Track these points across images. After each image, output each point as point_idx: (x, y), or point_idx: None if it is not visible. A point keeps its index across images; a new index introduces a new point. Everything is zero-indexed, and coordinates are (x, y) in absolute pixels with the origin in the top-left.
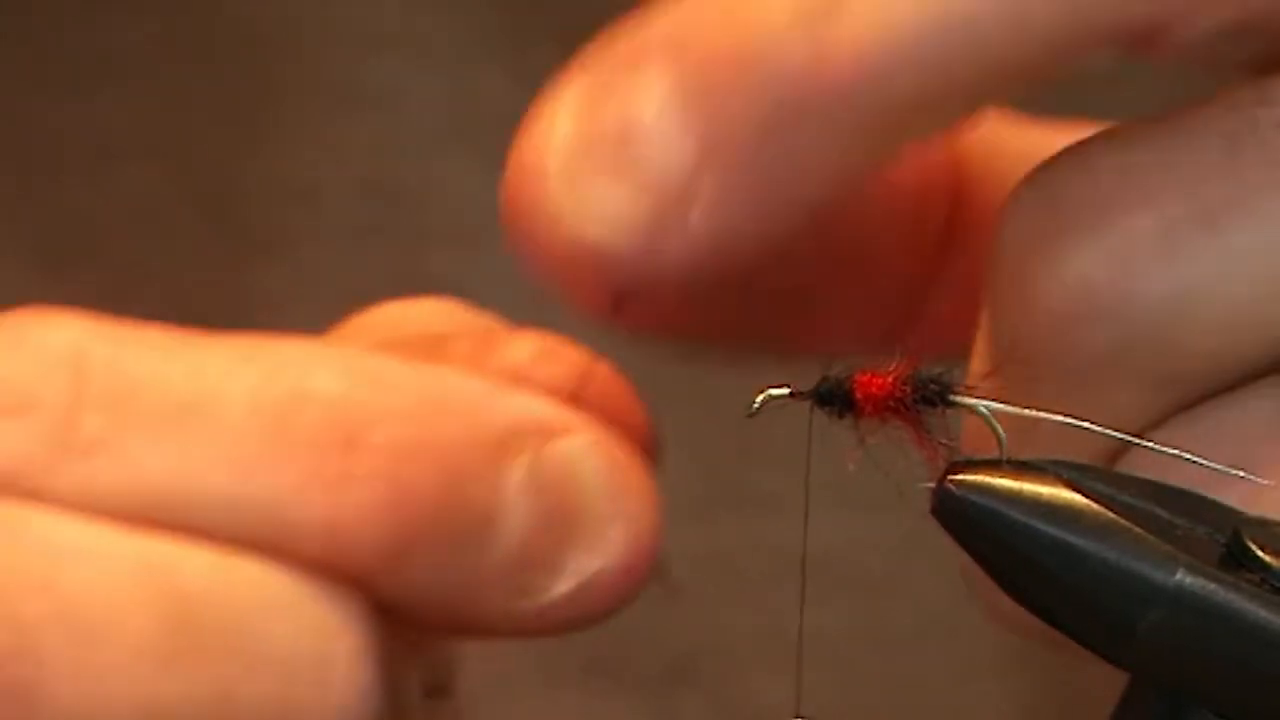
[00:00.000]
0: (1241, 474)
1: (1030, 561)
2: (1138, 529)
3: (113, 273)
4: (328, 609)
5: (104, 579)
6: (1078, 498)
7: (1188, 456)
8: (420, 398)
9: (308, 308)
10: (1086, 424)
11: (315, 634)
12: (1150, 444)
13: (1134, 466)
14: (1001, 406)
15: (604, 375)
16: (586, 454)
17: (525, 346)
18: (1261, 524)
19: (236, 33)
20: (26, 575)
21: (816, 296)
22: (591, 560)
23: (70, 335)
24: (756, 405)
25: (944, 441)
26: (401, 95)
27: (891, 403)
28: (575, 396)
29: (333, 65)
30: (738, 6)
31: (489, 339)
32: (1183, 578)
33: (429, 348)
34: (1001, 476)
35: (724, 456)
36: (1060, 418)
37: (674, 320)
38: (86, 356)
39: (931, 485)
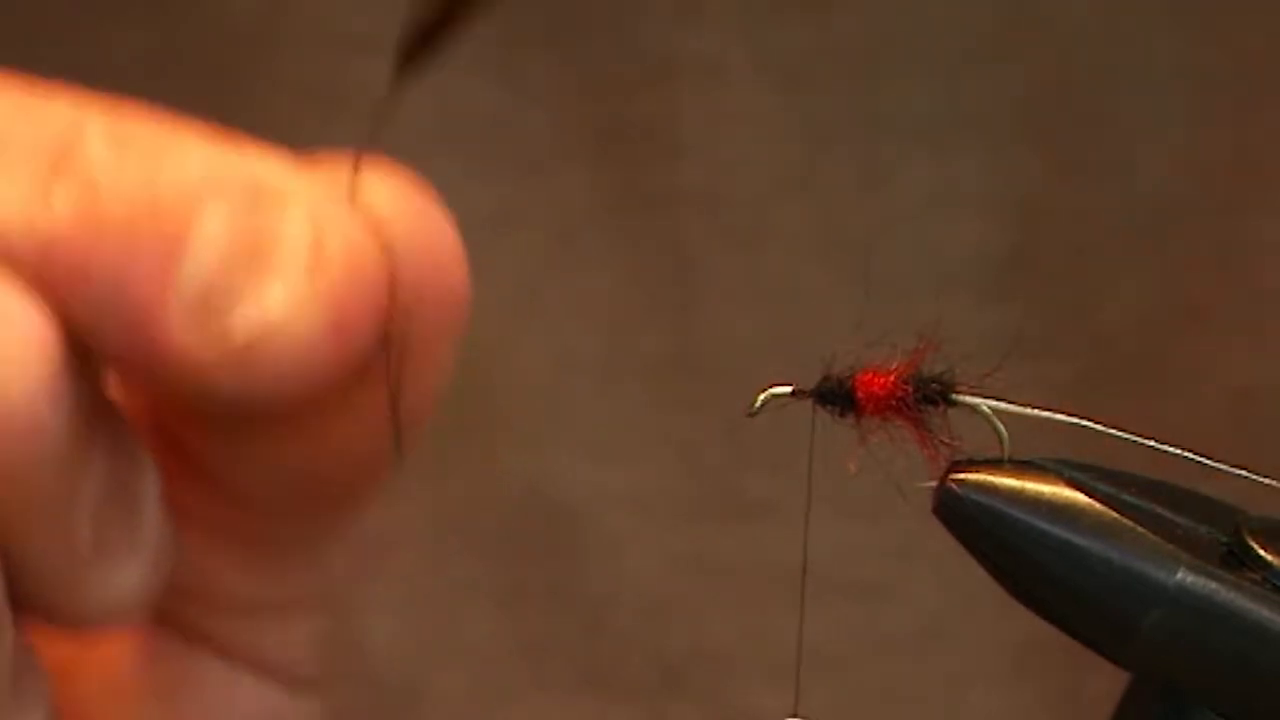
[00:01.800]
0: (1245, 473)
1: (1032, 561)
2: (1140, 528)
3: None
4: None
5: None
6: (1080, 497)
7: (1190, 456)
8: (145, 136)
9: None
10: (1088, 423)
11: None
12: (1153, 443)
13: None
14: (1004, 405)
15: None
16: (298, 217)
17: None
18: (1263, 523)
19: (220, 38)
20: None
21: None
22: (273, 310)
23: None
24: (758, 404)
25: (946, 440)
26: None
27: (893, 401)
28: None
29: (317, 70)
30: None
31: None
32: (1184, 577)
33: None
34: (1003, 475)
35: (716, 462)
36: (1062, 417)
37: None
38: None
39: (933, 484)
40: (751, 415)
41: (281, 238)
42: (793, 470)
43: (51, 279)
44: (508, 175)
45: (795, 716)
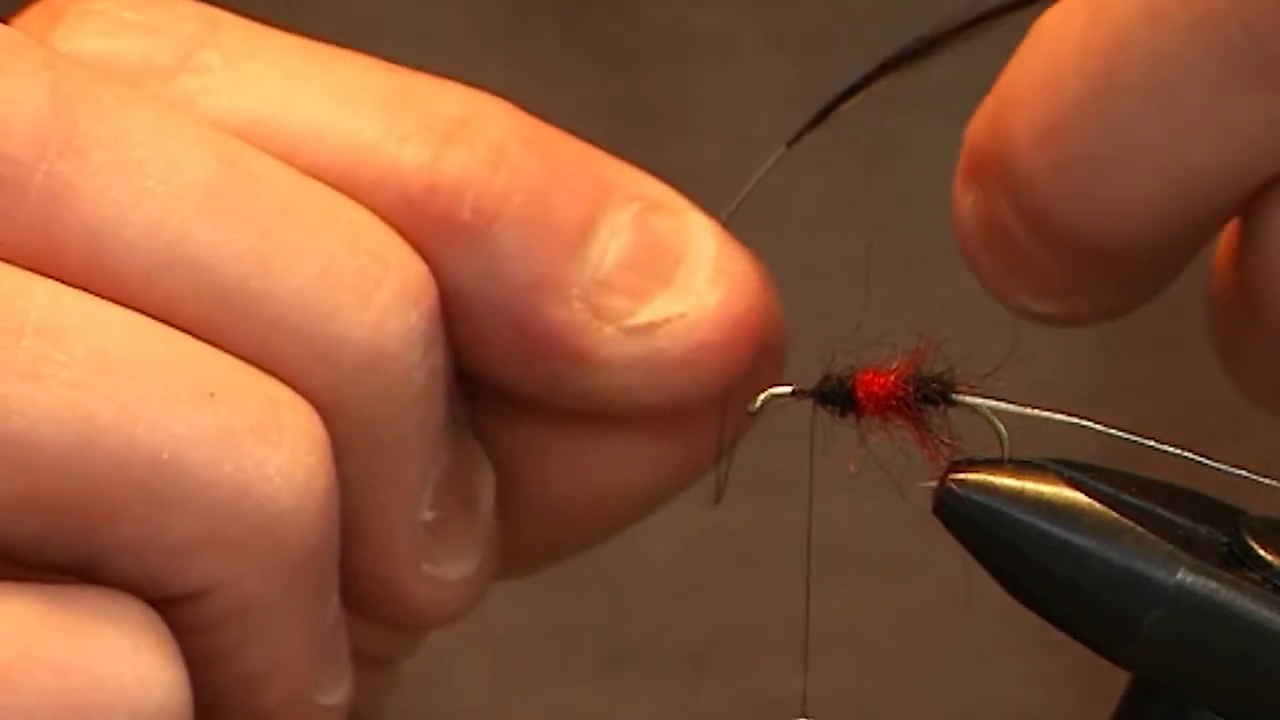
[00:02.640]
0: (1245, 473)
1: (1032, 561)
2: (1140, 528)
3: None
4: (390, 235)
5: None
6: (1080, 497)
7: (1193, 457)
8: (545, 126)
9: None
10: (1089, 424)
11: (374, 250)
12: (1154, 443)
13: None
14: (1003, 406)
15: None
16: (703, 228)
17: None
18: (1264, 523)
19: None
20: None
21: None
22: (675, 304)
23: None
24: (759, 404)
25: (946, 440)
26: None
27: (893, 401)
28: None
29: None
30: None
31: None
32: (1184, 577)
33: None
34: (1003, 476)
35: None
36: (1062, 417)
37: None
38: (219, 19)
39: (933, 484)
40: (752, 415)
41: (688, 244)
42: (818, 448)
43: (428, 234)
44: None
45: (804, 718)
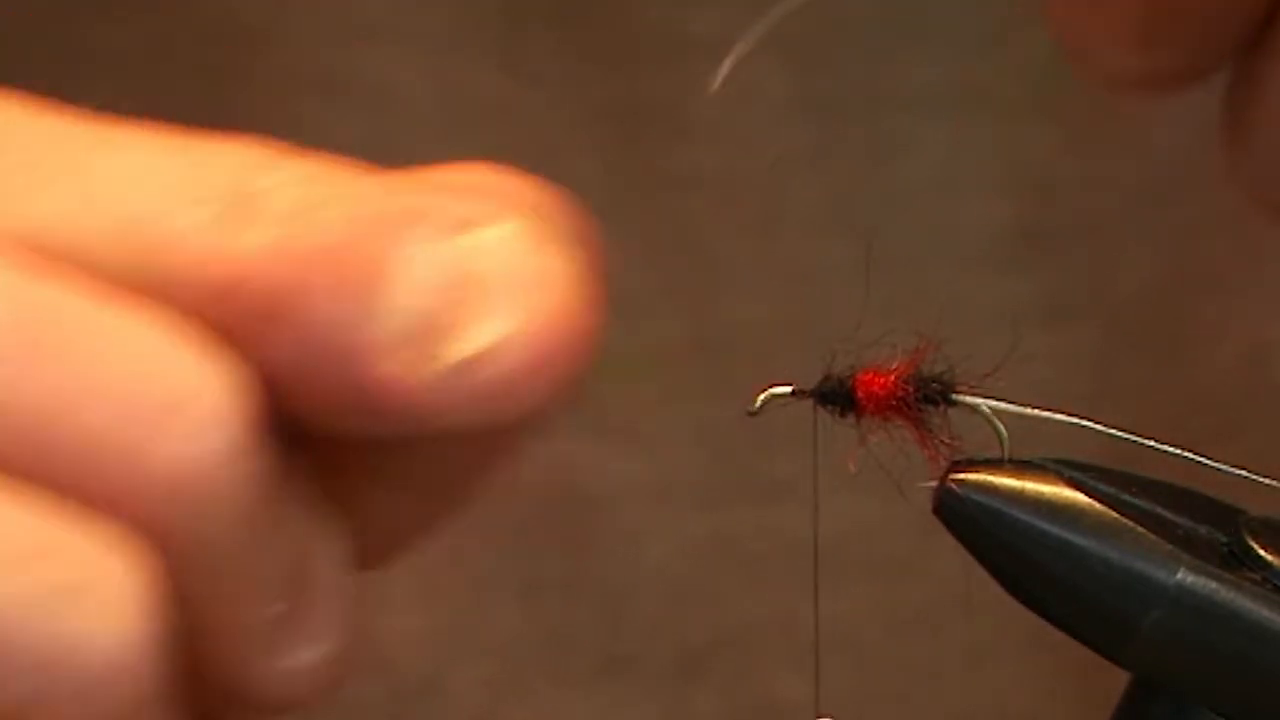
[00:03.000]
0: (1245, 473)
1: (1032, 561)
2: (1140, 528)
3: None
4: (191, 353)
5: None
6: (1080, 497)
7: (1193, 457)
8: (329, 172)
9: None
10: (1089, 424)
11: (171, 376)
12: (1154, 443)
13: None
14: (1003, 405)
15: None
16: (510, 239)
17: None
18: (1263, 523)
19: (219, 26)
20: None
21: None
22: (488, 332)
23: None
24: (759, 405)
25: (946, 440)
26: (389, 87)
27: (893, 401)
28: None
29: (318, 58)
30: None
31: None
32: (1184, 577)
33: None
34: (1003, 475)
35: (734, 446)
36: (1062, 417)
37: None
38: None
39: (933, 484)
40: (752, 415)
41: (493, 261)
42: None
43: (238, 322)
44: (512, 160)
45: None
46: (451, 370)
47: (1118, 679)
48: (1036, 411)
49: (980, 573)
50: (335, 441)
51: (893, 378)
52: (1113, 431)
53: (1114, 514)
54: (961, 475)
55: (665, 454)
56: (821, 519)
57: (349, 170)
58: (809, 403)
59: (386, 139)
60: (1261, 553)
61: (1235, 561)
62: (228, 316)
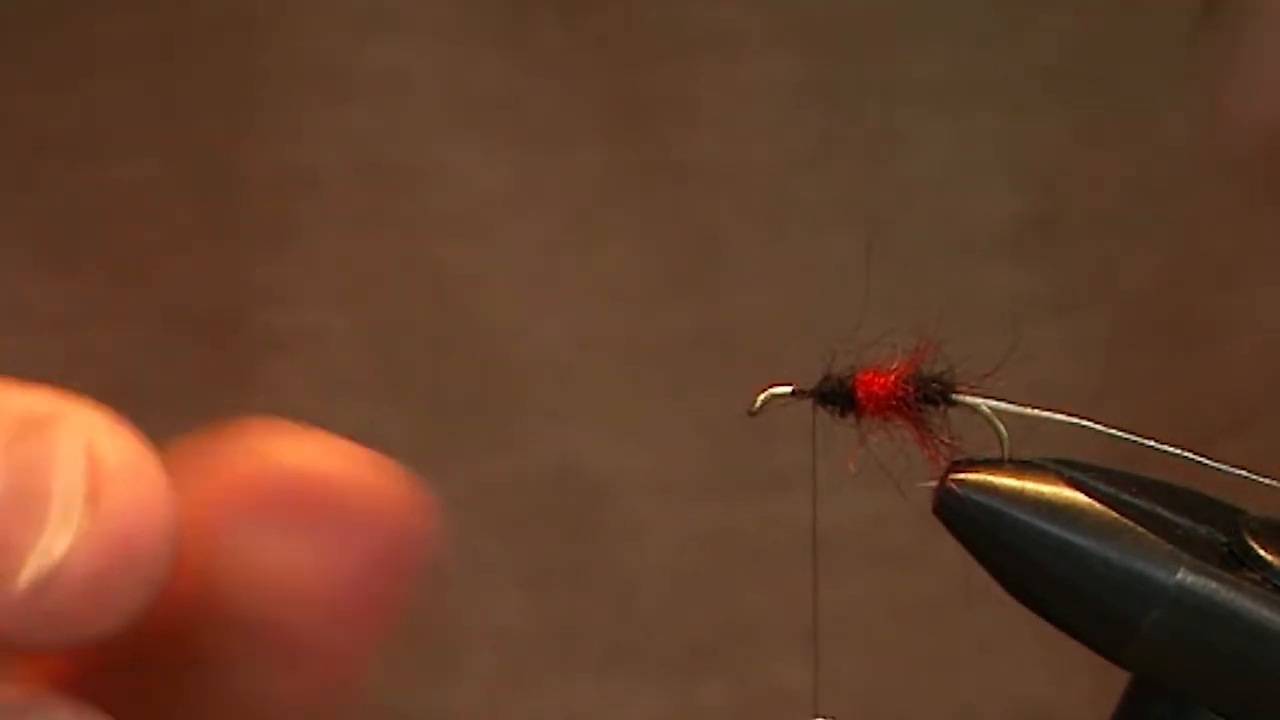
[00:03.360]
0: (1245, 473)
1: (1032, 561)
2: (1140, 528)
3: (111, 266)
4: None
5: None
6: (1080, 497)
7: (1193, 457)
8: None
9: (310, 296)
10: (1089, 424)
11: None
12: (1154, 443)
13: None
14: (1004, 405)
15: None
16: (69, 443)
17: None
18: (1263, 523)
19: (228, 17)
20: None
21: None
22: (53, 546)
23: None
24: (758, 405)
25: (946, 440)
26: (399, 77)
27: (893, 401)
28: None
29: (327, 48)
30: None
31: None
32: (1184, 577)
33: None
34: (1003, 475)
35: (739, 437)
36: (1062, 417)
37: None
38: None
39: (933, 484)
40: (752, 414)
41: (55, 467)
42: (820, 441)
43: None
44: (521, 151)
45: (820, 717)
46: (26, 590)
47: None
48: (1037, 411)
49: None
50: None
51: (893, 378)
52: (1113, 431)
53: (1114, 514)
54: (961, 475)
55: (670, 445)
56: (826, 509)
57: None
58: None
59: (394, 129)
60: (1261, 553)
61: (1235, 561)
62: None
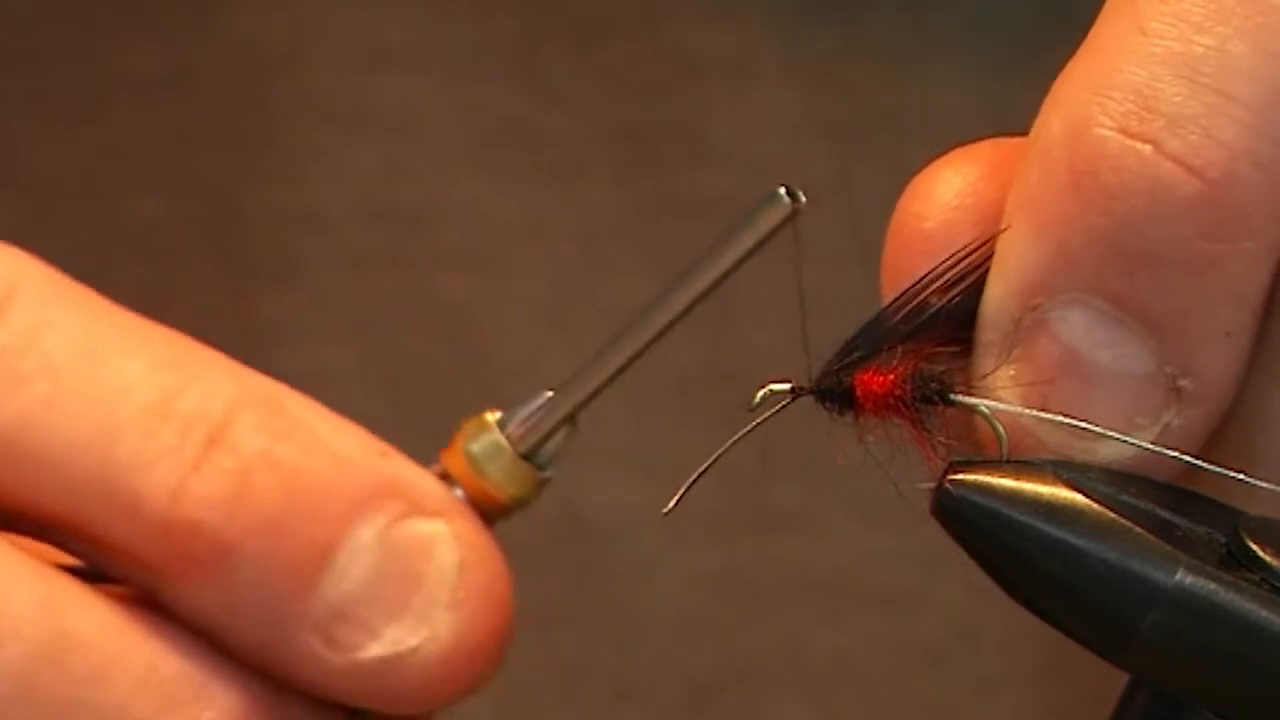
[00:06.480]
0: (1242, 476)
1: (1030, 561)
2: (1138, 529)
3: (118, 303)
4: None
5: None
6: (1078, 497)
7: (1188, 459)
8: (304, 427)
9: (317, 334)
10: (1087, 424)
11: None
12: (1150, 445)
13: None
14: (1002, 406)
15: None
16: (448, 541)
17: None
18: (1262, 523)
19: (237, 55)
20: None
21: None
22: (409, 637)
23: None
24: (758, 400)
25: (944, 440)
26: (408, 113)
27: (892, 401)
28: None
29: (337, 84)
30: None
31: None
32: (1183, 578)
33: None
34: (1001, 476)
35: (747, 477)
36: (1060, 418)
37: None
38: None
39: (931, 485)
40: (751, 411)
41: (430, 562)
42: (823, 482)
43: (168, 559)
44: (534, 182)
45: None
46: (360, 665)
47: None
48: (1036, 412)
49: (986, 606)
50: None
51: (892, 377)
52: (1113, 433)
53: (1112, 514)
54: (959, 475)
55: (676, 485)
56: (828, 551)
57: (324, 418)
58: (821, 435)
59: (404, 166)
60: (1260, 553)
61: (1234, 562)
62: (156, 556)
